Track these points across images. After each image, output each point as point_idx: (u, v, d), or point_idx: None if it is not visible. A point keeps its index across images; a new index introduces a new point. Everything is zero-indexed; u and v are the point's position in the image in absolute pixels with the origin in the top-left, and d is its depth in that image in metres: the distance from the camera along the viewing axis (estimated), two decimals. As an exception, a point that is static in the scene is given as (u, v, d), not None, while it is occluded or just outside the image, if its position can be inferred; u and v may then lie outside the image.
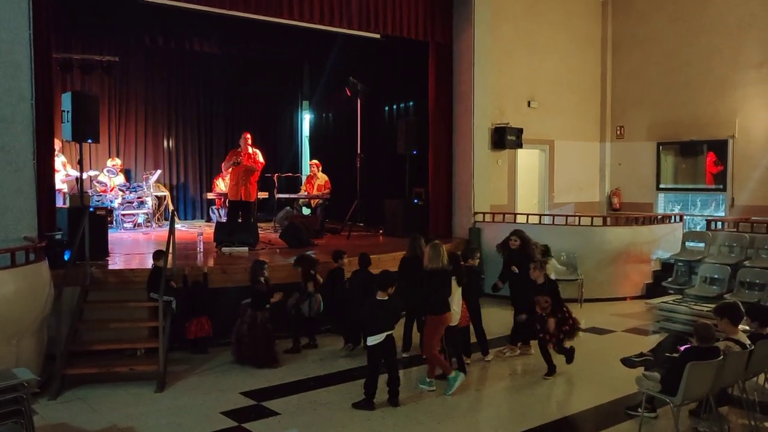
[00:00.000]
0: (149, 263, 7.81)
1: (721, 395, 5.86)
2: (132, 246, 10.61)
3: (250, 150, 11.35)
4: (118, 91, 14.52)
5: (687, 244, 11.28)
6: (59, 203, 10.25)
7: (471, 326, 7.57)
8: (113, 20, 11.84)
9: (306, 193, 13.95)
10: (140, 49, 14.22)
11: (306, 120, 17.41)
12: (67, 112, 8.76)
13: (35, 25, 7.70)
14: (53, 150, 8.64)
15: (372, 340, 6.17)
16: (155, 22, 12.09)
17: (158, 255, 7.64)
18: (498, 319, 8.93)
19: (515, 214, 12.20)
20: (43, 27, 7.99)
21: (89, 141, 9.09)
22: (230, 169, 11.62)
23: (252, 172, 11.37)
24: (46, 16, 8.08)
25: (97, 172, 12.97)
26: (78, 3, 10.37)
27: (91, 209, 8.60)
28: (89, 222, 7.86)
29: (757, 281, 9.13)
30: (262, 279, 7.61)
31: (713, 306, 6.53)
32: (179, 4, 9.68)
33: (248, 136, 11.50)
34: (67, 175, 12.10)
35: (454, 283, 6.86)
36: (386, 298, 6.28)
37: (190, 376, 7.10)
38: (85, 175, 12.26)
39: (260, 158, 11.50)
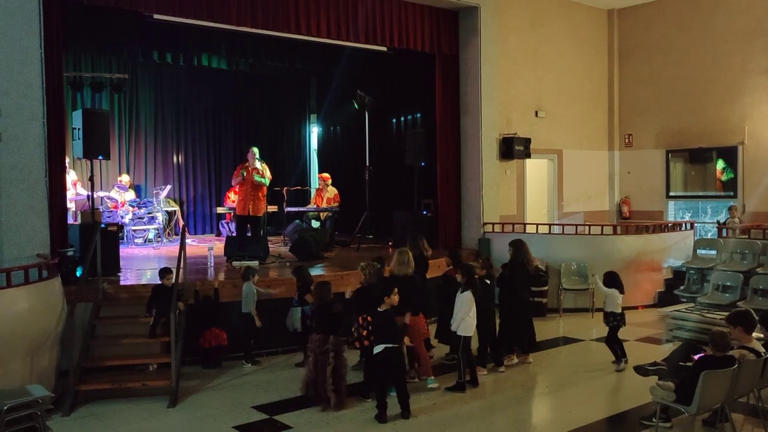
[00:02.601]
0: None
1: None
2: (143, 261, 10.65)
3: (258, 165, 11.38)
4: (128, 108, 14.62)
5: (698, 251, 11.25)
6: (69, 221, 10.32)
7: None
8: (122, 38, 11.94)
9: (315, 206, 13.98)
10: (149, 65, 14.34)
11: (314, 133, 17.47)
12: (78, 129, 8.84)
13: (46, 44, 7.83)
14: (65, 167, 8.72)
15: (374, 351, 6.23)
16: (164, 39, 12.17)
17: (164, 272, 7.62)
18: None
19: (524, 224, 12.19)
20: (54, 46, 8.11)
21: (100, 158, 9.15)
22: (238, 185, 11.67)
23: (260, 186, 11.40)
24: (56, 36, 8.18)
25: (107, 193, 13.06)
26: (87, 22, 10.46)
27: (102, 225, 8.65)
28: (101, 238, 7.91)
29: (771, 288, 9.07)
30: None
31: (726, 314, 6.49)
32: (188, 20, 9.75)
33: (255, 150, 11.54)
34: (77, 194, 12.16)
35: (471, 298, 6.90)
36: (385, 309, 6.29)
37: (203, 390, 7.11)
38: (95, 195, 12.38)
39: (268, 173, 11.54)
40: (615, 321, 7.80)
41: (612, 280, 7.97)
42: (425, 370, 7.14)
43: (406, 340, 6.60)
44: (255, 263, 9.78)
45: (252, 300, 7.90)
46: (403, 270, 7.13)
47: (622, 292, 7.86)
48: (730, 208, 12.26)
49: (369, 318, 6.61)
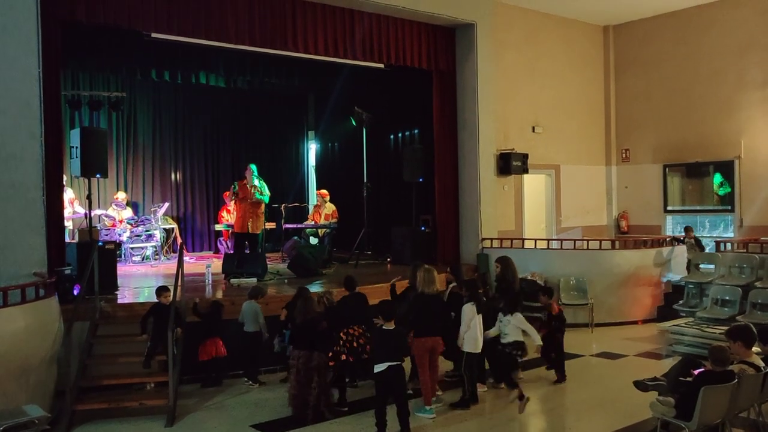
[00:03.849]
0: (158, 297, 7.79)
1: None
2: (141, 279, 10.62)
3: (257, 182, 11.36)
4: (126, 126, 14.65)
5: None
6: (66, 239, 10.29)
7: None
8: (120, 57, 12.00)
9: (313, 223, 13.97)
10: (147, 84, 14.39)
11: (312, 150, 17.52)
12: (76, 148, 8.84)
13: (44, 63, 7.86)
14: (62, 186, 8.72)
15: (376, 369, 6.17)
16: (162, 57, 12.23)
17: (161, 291, 7.57)
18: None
19: (523, 240, 12.20)
20: (52, 65, 8.14)
21: (98, 176, 9.16)
22: (235, 202, 11.65)
23: (259, 204, 11.39)
24: (54, 55, 8.23)
25: (104, 210, 13.06)
26: (85, 41, 10.52)
27: (100, 243, 8.63)
28: (98, 256, 7.89)
29: (770, 302, 9.04)
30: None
31: (725, 328, 6.47)
32: (185, 39, 9.80)
33: (252, 167, 11.52)
34: (74, 212, 12.14)
35: (473, 309, 6.88)
36: (391, 327, 6.26)
37: (201, 409, 7.06)
38: (92, 213, 12.37)
39: (266, 189, 11.52)
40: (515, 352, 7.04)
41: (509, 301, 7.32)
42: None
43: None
44: (253, 280, 9.77)
45: (259, 318, 7.88)
46: (431, 288, 7.05)
47: (514, 310, 7.12)
48: (686, 228, 12.16)
49: (350, 330, 6.97)
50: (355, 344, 6.96)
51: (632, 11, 14.20)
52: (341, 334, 6.98)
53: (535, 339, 7.12)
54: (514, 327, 7.06)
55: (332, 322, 7.12)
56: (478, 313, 6.92)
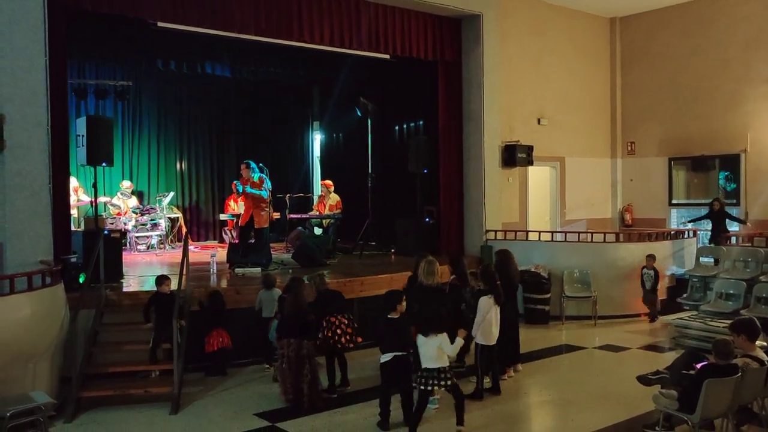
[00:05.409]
0: (163, 285, 7.82)
1: (743, 413, 5.77)
2: (146, 268, 10.67)
3: (255, 177, 11.24)
4: (132, 115, 14.69)
5: (701, 259, 11.22)
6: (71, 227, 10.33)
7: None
8: (126, 46, 12.00)
9: (318, 213, 13.99)
10: (153, 73, 14.39)
11: (317, 140, 17.51)
12: (82, 136, 8.87)
13: (50, 52, 7.86)
14: (68, 174, 8.75)
15: (382, 359, 6.18)
16: (168, 46, 12.22)
17: (161, 280, 7.59)
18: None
19: (527, 232, 12.20)
20: (58, 54, 8.15)
21: (103, 165, 9.18)
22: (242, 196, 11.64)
23: (260, 198, 11.32)
24: (61, 44, 8.24)
25: (109, 198, 13.08)
26: (92, 30, 10.52)
27: (106, 232, 8.66)
28: (104, 244, 7.92)
29: (774, 296, 9.03)
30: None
31: (729, 322, 6.47)
32: (191, 29, 9.79)
33: (245, 163, 11.45)
34: (79, 201, 12.18)
35: (490, 301, 6.88)
36: (396, 317, 6.27)
37: (205, 397, 7.10)
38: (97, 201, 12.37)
39: (267, 183, 11.44)
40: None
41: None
42: None
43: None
44: (257, 270, 9.80)
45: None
46: (431, 280, 7.05)
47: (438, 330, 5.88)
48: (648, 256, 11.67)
49: (332, 319, 7.06)
50: (331, 332, 7.01)
51: (639, 3, 14.14)
52: (323, 321, 7.04)
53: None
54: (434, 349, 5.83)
55: (321, 305, 7.20)
56: (496, 305, 6.92)
